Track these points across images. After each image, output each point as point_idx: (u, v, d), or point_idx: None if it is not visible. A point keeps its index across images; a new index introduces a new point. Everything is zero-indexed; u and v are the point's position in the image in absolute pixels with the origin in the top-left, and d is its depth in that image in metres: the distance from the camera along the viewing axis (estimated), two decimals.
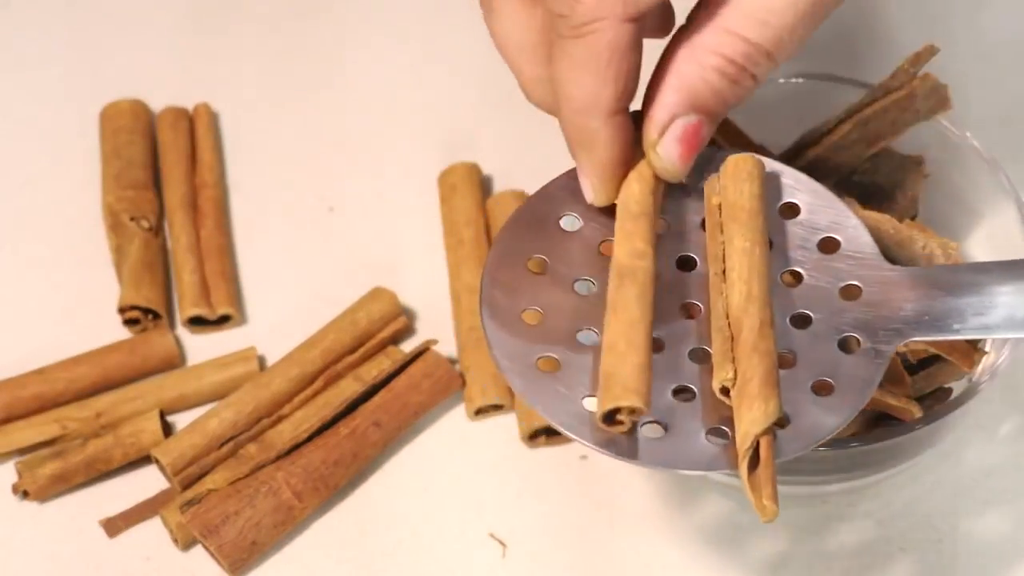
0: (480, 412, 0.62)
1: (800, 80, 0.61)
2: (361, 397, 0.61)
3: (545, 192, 0.52)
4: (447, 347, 0.63)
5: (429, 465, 0.61)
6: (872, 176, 0.59)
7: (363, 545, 0.60)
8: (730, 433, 0.47)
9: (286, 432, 0.61)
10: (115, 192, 0.67)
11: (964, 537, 0.58)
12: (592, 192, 0.50)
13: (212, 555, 0.59)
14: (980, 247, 0.60)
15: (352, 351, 0.63)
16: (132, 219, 0.67)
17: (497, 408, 0.62)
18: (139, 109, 0.70)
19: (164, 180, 0.69)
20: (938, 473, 0.60)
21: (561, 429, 0.47)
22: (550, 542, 0.59)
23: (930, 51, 0.57)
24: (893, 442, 0.54)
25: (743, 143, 0.58)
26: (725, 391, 0.47)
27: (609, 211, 0.50)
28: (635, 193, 0.50)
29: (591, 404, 0.47)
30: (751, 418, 0.46)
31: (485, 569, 0.59)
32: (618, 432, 0.46)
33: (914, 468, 0.59)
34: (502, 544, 0.59)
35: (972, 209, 0.60)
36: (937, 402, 0.55)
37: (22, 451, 0.62)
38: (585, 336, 0.49)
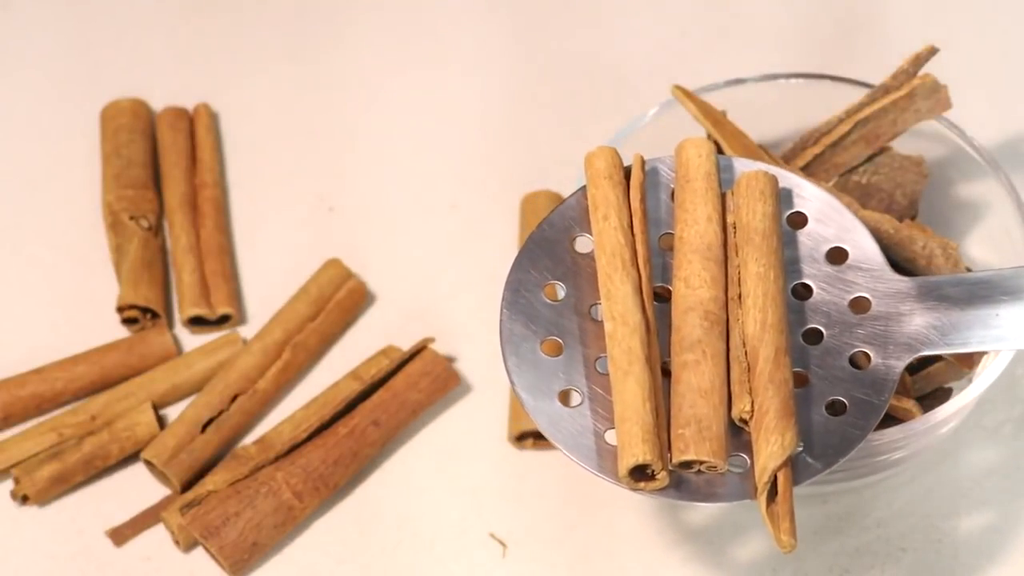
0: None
1: (800, 80, 0.61)
2: (359, 396, 0.61)
3: (556, 215, 0.51)
4: (444, 345, 0.63)
5: (429, 465, 0.61)
6: (872, 176, 0.59)
7: (363, 545, 0.60)
8: (749, 461, 0.47)
9: (285, 432, 0.61)
10: (115, 191, 0.67)
11: (964, 537, 0.58)
12: None
13: (213, 556, 0.59)
14: (980, 247, 0.60)
15: (312, 318, 0.63)
16: (132, 218, 0.67)
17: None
18: (139, 108, 0.70)
19: (164, 180, 0.68)
20: (938, 473, 0.60)
21: (586, 467, 0.47)
22: (550, 542, 0.59)
23: (930, 51, 0.57)
24: (893, 442, 0.54)
25: (743, 143, 0.58)
26: (744, 421, 0.47)
27: None
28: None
29: (613, 437, 0.47)
30: (769, 452, 0.46)
31: (485, 569, 0.59)
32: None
33: (914, 468, 0.59)
34: (502, 544, 0.59)
35: (972, 209, 0.60)
36: (937, 402, 0.55)
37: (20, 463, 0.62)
38: (605, 363, 0.48)
